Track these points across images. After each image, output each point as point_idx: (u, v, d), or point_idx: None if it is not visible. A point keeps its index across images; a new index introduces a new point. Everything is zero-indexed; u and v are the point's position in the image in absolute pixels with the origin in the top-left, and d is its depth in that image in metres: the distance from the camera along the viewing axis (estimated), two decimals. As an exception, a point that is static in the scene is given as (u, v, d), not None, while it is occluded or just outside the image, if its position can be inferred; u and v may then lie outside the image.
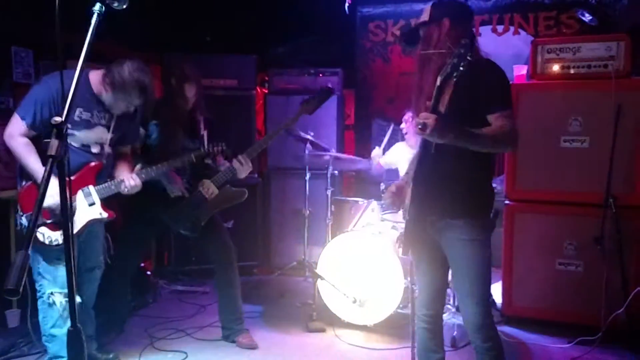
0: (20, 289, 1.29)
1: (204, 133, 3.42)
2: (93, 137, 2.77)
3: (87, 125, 2.74)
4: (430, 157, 2.22)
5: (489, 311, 2.36)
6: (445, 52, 2.22)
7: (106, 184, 2.83)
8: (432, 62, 2.29)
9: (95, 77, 2.76)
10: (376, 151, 4.63)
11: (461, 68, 2.01)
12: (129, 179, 2.87)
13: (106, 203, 2.82)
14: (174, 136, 3.28)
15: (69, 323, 1.57)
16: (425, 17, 2.38)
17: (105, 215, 2.79)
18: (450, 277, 2.66)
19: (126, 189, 2.86)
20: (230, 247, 3.47)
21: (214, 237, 3.45)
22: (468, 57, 2.00)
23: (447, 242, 2.36)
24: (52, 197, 2.45)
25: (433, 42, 2.32)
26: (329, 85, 3.63)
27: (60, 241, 2.58)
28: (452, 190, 2.29)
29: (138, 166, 3.08)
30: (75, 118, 2.68)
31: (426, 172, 2.27)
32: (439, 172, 2.27)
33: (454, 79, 2.05)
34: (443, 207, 2.31)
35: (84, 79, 2.66)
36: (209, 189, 3.32)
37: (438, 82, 2.08)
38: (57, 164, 1.47)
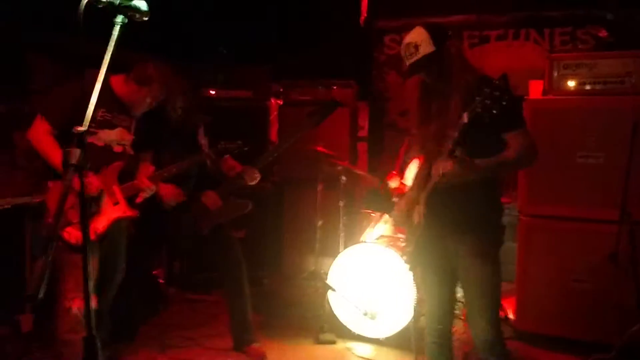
0: (40, 295, 1.31)
1: (204, 141, 3.44)
2: (114, 137, 2.87)
3: (109, 125, 2.85)
4: None
5: (498, 328, 2.35)
6: (455, 78, 2.24)
7: (129, 184, 2.91)
8: (444, 90, 2.28)
9: (117, 80, 2.88)
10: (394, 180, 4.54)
11: (494, 111, 1.98)
12: (141, 183, 2.95)
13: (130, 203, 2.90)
14: (175, 145, 3.30)
15: (84, 329, 1.58)
16: (428, 48, 2.28)
17: (129, 213, 2.87)
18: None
19: (143, 192, 2.94)
20: (239, 258, 3.47)
21: (222, 248, 3.46)
22: (503, 103, 1.96)
23: (457, 258, 2.36)
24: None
25: (444, 70, 2.28)
26: (335, 99, 3.62)
27: None
28: (464, 207, 2.30)
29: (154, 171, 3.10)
30: (98, 118, 2.77)
31: (439, 190, 2.27)
32: (451, 190, 2.26)
33: (487, 120, 2.01)
34: (455, 224, 2.32)
35: (105, 82, 2.69)
36: (213, 199, 3.33)
37: (465, 119, 2.05)
38: (78, 172, 1.49)
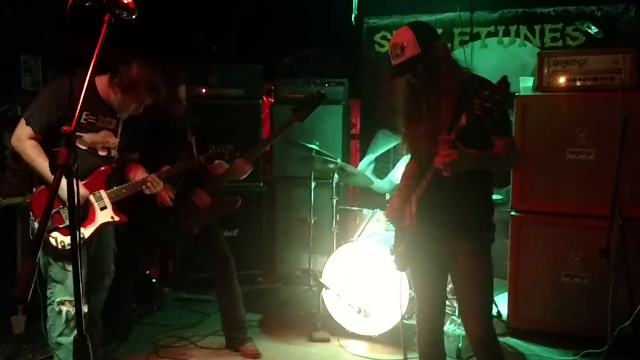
0: (28, 297, 1.30)
1: (192, 140, 3.44)
2: (99, 140, 2.79)
3: (93, 128, 2.75)
4: (437, 175, 2.24)
5: (491, 324, 2.37)
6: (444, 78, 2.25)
7: (117, 187, 2.85)
8: (430, 91, 2.28)
9: (101, 81, 2.77)
10: (365, 161, 4.54)
11: (495, 114, 1.98)
12: (151, 179, 2.91)
13: (118, 207, 2.85)
14: (164, 144, 3.28)
15: (76, 332, 1.58)
16: (414, 50, 2.26)
17: (117, 218, 2.82)
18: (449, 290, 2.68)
19: (148, 189, 2.91)
20: (228, 256, 3.46)
21: (211, 247, 3.45)
22: (505, 106, 1.99)
23: (450, 257, 2.37)
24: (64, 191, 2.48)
25: (430, 72, 2.27)
26: (321, 91, 3.60)
27: None
28: (457, 206, 2.31)
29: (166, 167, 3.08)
30: (82, 121, 2.67)
31: (432, 190, 2.28)
32: (444, 189, 2.27)
33: (488, 123, 2.02)
34: (448, 223, 2.33)
35: (89, 83, 2.67)
36: (202, 197, 3.32)
37: (464, 121, 2.04)
38: (66, 172, 1.48)
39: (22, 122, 2.68)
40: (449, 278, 2.50)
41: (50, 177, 2.57)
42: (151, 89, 2.77)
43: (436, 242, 2.37)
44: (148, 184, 2.91)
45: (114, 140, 2.85)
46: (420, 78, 2.31)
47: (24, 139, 2.65)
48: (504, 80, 2.02)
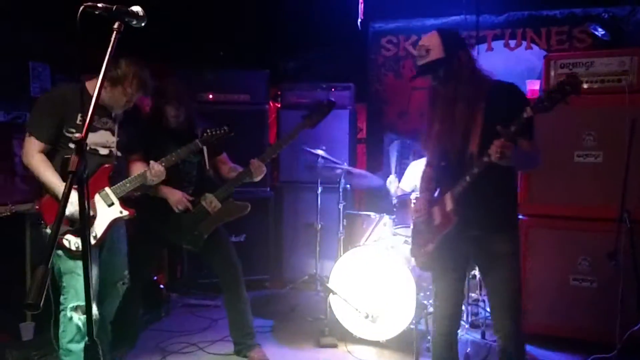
0: (41, 304, 1.31)
1: (203, 147, 3.44)
2: (99, 140, 2.82)
3: (91, 129, 2.77)
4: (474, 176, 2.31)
5: (520, 319, 2.45)
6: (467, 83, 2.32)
7: (121, 183, 2.88)
8: (457, 95, 2.34)
9: (92, 83, 2.77)
10: (391, 179, 4.54)
11: (563, 101, 2.09)
12: (152, 166, 2.95)
13: (125, 202, 2.87)
14: (174, 149, 3.29)
15: (87, 339, 1.58)
16: (438, 53, 2.36)
17: (125, 213, 2.84)
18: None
19: (151, 177, 2.95)
20: (235, 262, 3.46)
21: (218, 253, 3.44)
22: (573, 95, 2.07)
23: (486, 256, 2.44)
24: (71, 204, 2.49)
25: (451, 77, 2.35)
26: (331, 99, 3.62)
27: None
28: (494, 205, 2.37)
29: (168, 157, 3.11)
30: (78, 122, 2.70)
31: (469, 190, 2.33)
32: (481, 190, 2.32)
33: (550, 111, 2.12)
34: (486, 222, 2.38)
35: (81, 88, 2.73)
36: (212, 202, 3.33)
37: (530, 113, 2.15)
38: (77, 179, 1.50)
39: (27, 136, 2.71)
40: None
41: (58, 190, 2.62)
42: (139, 81, 2.79)
43: (473, 241, 2.43)
44: (150, 171, 2.95)
45: (113, 139, 2.89)
46: (440, 81, 2.38)
47: (33, 154, 2.69)
48: (572, 75, 2.09)
